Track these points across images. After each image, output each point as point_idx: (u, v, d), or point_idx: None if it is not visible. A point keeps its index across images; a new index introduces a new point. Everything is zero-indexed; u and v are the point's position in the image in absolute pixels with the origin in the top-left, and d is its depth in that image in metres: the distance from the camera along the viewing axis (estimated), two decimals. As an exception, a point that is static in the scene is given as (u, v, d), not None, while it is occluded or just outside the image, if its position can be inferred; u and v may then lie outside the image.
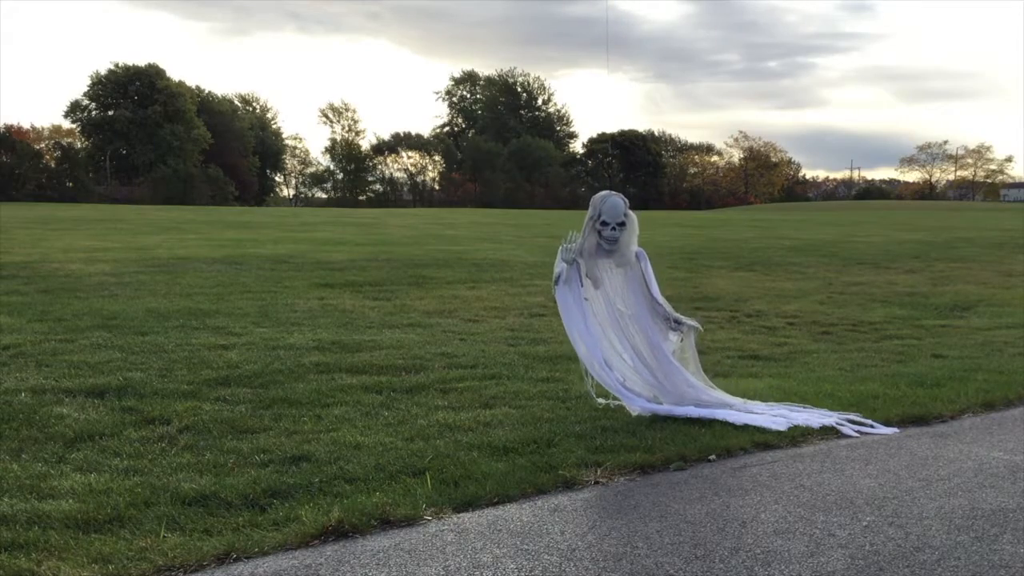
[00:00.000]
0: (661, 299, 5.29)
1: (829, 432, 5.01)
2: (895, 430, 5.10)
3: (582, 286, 5.26)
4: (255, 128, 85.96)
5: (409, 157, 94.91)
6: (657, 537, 3.51)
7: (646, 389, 5.31)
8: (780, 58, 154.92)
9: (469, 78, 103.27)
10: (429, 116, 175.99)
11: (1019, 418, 5.48)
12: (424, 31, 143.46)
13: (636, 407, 5.22)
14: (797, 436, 4.90)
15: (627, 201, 5.22)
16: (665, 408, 5.21)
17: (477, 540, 3.45)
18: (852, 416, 5.25)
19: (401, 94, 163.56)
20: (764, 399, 5.60)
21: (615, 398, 5.35)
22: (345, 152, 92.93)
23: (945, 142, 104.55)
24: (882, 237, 25.19)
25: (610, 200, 5.16)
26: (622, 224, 5.15)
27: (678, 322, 5.31)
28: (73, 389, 5.51)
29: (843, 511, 3.82)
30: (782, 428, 4.96)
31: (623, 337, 5.33)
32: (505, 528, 3.58)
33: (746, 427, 4.95)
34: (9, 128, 71.36)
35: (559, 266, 5.26)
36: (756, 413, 5.17)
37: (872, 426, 5.13)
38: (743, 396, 5.61)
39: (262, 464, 4.20)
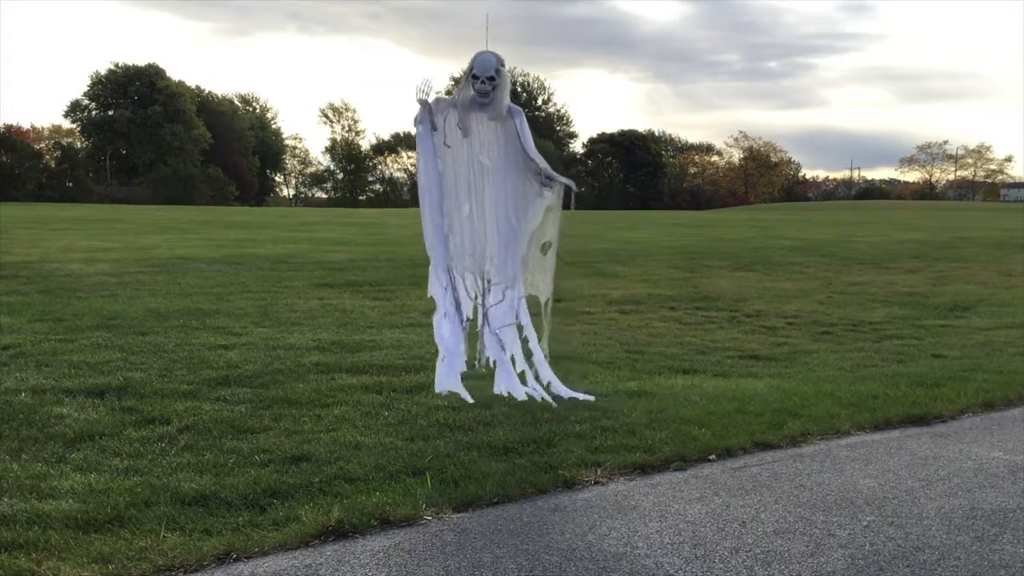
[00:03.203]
0: (535, 155, 5.45)
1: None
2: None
3: (434, 130, 5.45)
4: (255, 128, 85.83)
5: (409, 157, 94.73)
6: (657, 537, 3.51)
7: (471, 264, 5.54)
8: (780, 58, 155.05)
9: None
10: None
11: (1019, 418, 5.48)
12: (425, 31, 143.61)
13: (440, 316, 5.57)
14: (797, 436, 4.91)
15: (501, 59, 5.37)
16: (447, 343, 5.51)
17: (477, 540, 3.45)
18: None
19: (402, 94, 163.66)
20: (765, 399, 5.59)
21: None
22: (345, 152, 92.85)
23: (945, 142, 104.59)
24: (882, 237, 25.19)
25: (481, 56, 5.38)
26: (492, 79, 5.35)
27: (550, 178, 5.44)
28: (73, 389, 5.51)
29: (843, 511, 3.82)
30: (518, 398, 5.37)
31: (471, 193, 5.50)
32: (505, 528, 3.58)
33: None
34: (9, 128, 71.33)
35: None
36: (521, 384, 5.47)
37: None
38: (742, 399, 5.60)
39: (262, 464, 4.20)
